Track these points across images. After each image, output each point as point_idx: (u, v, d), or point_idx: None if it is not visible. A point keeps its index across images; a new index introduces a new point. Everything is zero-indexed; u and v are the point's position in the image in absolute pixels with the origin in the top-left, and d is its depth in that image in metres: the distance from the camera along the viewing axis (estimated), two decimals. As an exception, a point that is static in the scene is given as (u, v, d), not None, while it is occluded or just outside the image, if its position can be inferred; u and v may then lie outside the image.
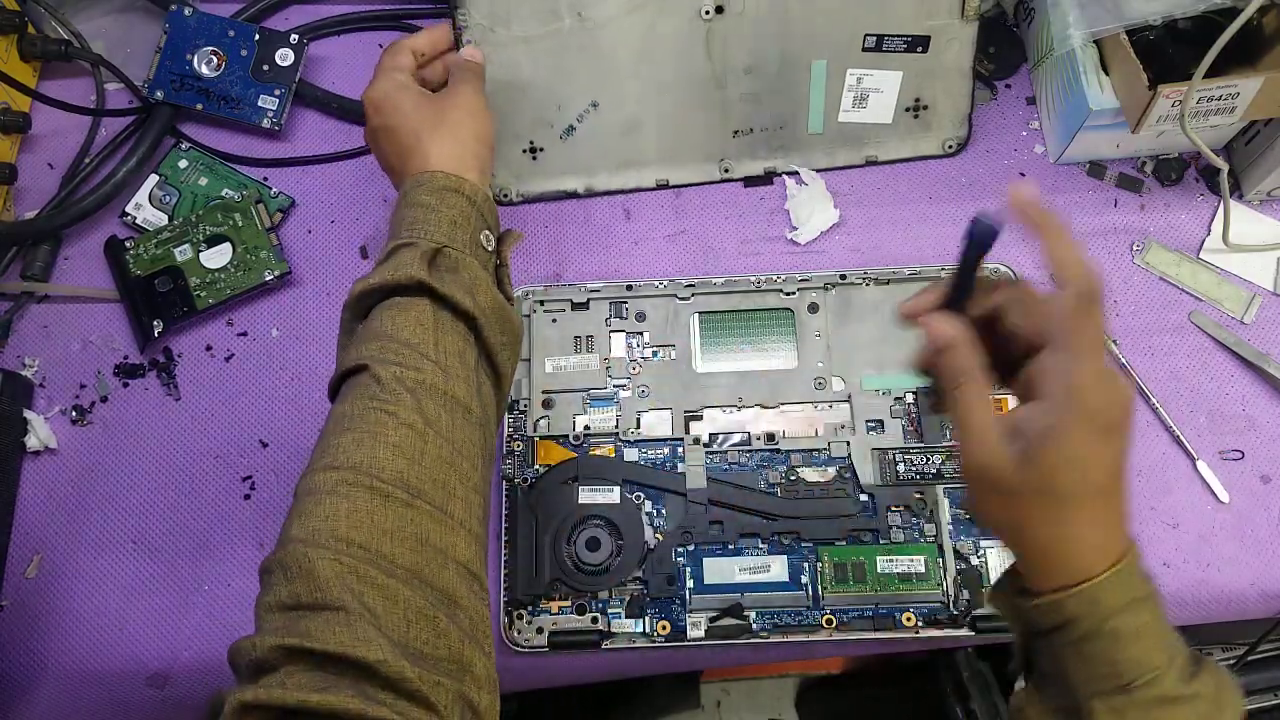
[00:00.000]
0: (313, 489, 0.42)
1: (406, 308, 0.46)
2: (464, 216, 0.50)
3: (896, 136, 0.68)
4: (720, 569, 0.59)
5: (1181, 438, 0.61)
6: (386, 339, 0.45)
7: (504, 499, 0.60)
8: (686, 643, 0.58)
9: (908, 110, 0.67)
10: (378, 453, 0.41)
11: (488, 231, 0.51)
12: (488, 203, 0.52)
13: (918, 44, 0.64)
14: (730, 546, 0.60)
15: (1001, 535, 0.42)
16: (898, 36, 0.64)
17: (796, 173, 0.68)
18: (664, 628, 0.58)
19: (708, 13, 0.62)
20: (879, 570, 0.59)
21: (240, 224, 0.68)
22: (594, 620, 0.59)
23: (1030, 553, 0.40)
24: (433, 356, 0.45)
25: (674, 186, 0.69)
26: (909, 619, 0.58)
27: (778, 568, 0.59)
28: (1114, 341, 0.63)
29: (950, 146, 0.68)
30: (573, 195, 0.69)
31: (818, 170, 0.68)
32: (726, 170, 0.69)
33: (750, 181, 0.69)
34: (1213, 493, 0.60)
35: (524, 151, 0.67)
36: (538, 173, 0.68)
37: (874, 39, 0.64)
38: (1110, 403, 0.38)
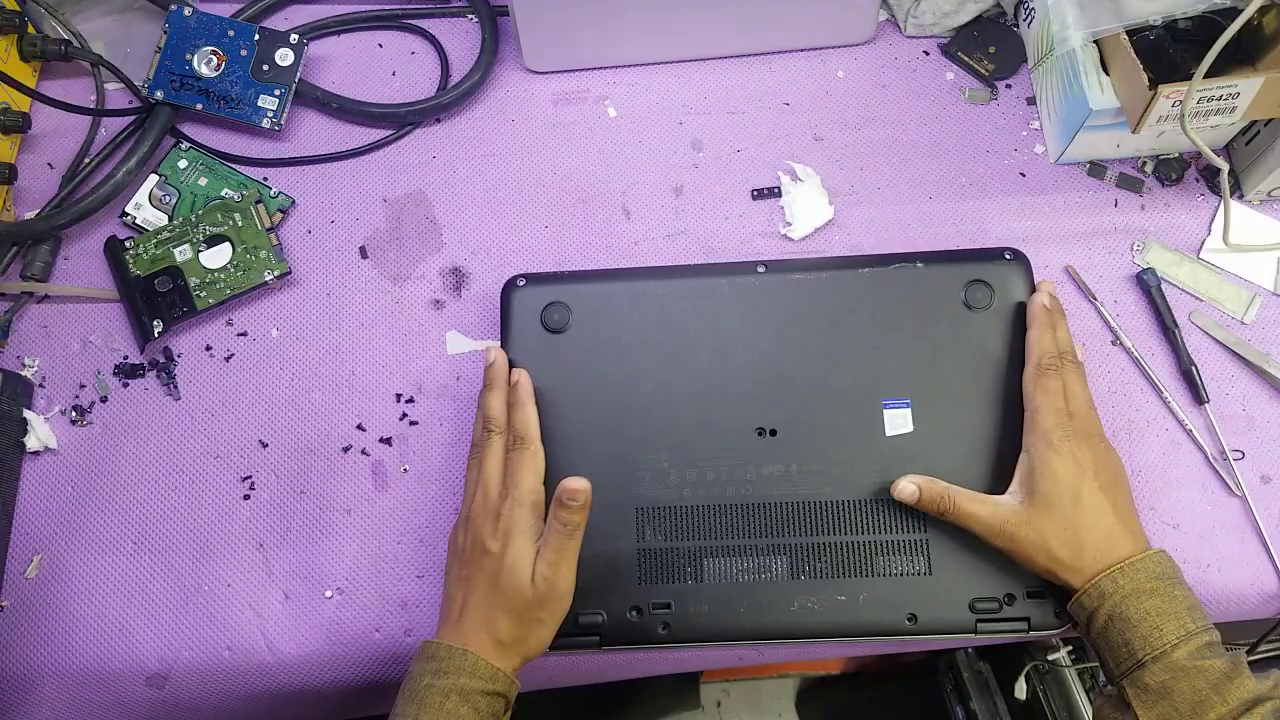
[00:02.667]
0: None
1: None
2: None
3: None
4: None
5: (1193, 432, 0.61)
6: None
7: None
8: (687, 644, 0.58)
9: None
10: None
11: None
12: (511, 687, 0.51)
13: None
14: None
15: (1040, 569, 0.52)
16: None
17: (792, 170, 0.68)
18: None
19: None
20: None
21: (240, 224, 0.68)
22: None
23: (1053, 566, 0.51)
24: None
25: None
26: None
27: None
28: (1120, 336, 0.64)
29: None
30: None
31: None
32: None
33: (759, 194, 0.69)
34: (1225, 485, 0.60)
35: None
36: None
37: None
38: (1067, 433, 0.53)
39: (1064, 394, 0.55)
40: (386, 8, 0.75)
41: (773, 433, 0.57)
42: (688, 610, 0.55)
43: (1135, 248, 0.66)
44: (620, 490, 0.57)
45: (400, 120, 0.72)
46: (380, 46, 0.75)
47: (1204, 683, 0.44)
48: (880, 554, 0.55)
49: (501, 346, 0.60)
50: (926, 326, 0.59)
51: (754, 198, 0.69)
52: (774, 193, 0.68)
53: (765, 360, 0.59)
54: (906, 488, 0.54)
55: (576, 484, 0.50)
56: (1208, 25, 0.59)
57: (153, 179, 0.70)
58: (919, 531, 0.55)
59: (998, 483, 0.56)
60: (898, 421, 0.57)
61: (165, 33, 0.71)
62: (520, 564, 0.51)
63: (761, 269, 0.61)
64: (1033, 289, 0.60)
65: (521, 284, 0.62)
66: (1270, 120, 0.62)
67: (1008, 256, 0.61)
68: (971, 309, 0.59)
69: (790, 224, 0.67)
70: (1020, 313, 0.59)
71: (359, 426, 0.65)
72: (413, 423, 0.64)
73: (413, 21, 0.75)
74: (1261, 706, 0.44)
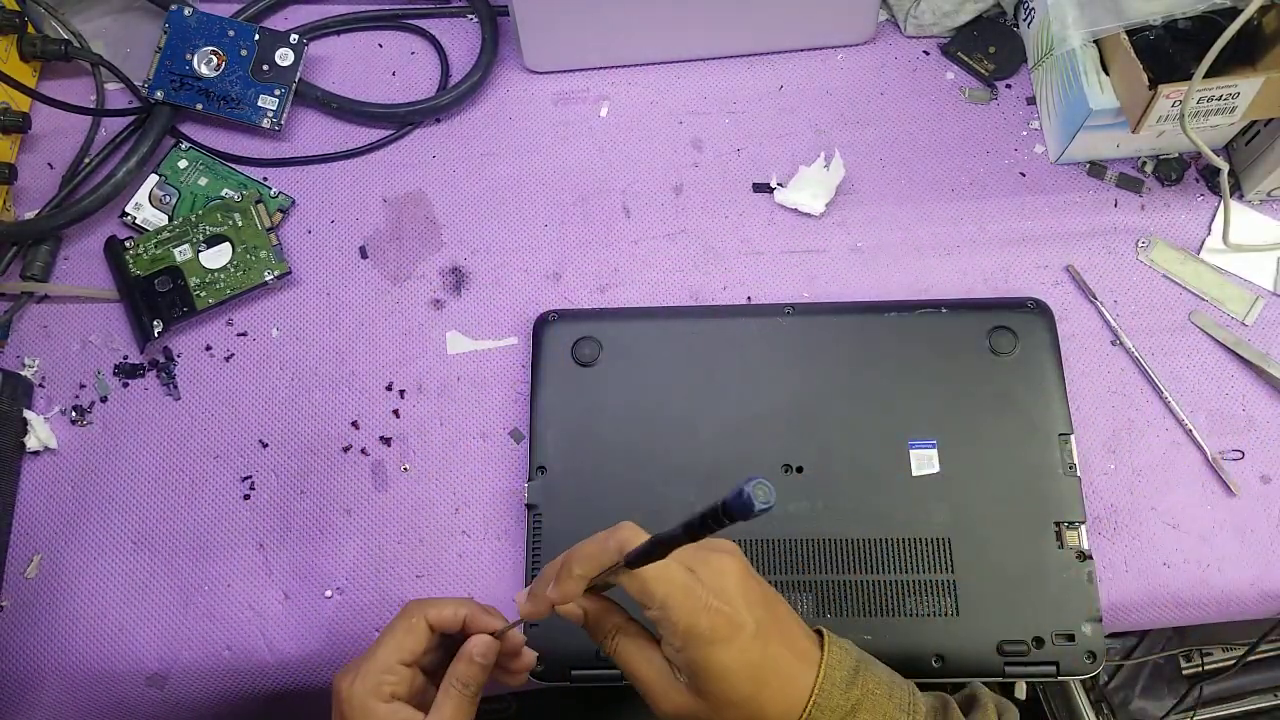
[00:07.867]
0: None
1: None
2: None
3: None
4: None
5: (1193, 432, 0.61)
6: None
7: (532, 525, 0.59)
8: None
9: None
10: None
11: None
12: None
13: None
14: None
15: None
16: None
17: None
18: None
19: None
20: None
21: (240, 224, 0.68)
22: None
23: None
24: None
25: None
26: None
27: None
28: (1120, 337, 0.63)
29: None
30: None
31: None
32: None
33: (759, 187, 0.69)
34: (1225, 485, 0.60)
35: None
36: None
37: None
38: (709, 621, 0.41)
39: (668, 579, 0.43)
40: (386, 8, 0.75)
41: (799, 470, 0.57)
42: None
43: (1140, 245, 0.66)
44: (645, 525, 0.55)
45: (400, 120, 0.72)
46: (380, 46, 0.75)
47: None
48: (908, 594, 0.55)
49: (532, 380, 0.61)
50: (952, 370, 0.59)
51: (754, 192, 0.69)
52: (773, 189, 0.68)
53: (792, 399, 0.59)
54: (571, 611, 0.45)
55: (488, 643, 0.44)
56: (1208, 25, 0.59)
57: (153, 179, 0.70)
58: (947, 572, 0.55)
59: (1025, 522, 0.56)
60: (924, 461, 0.57)
61: (165, 33, 0.71)
62: None
63: (789, 311, 0.61)
64: (1055, 337, 0.60)
65: (553, 320, 0.62)
66: (1270, 120, 0.62)
67: (1030, 306, 0.61)
68: (996, 354, 0.59)
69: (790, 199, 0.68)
70: (1044, 359, 0.59)
71: (359, 426, 0.65)
72: (413, 423, 0.64)
73: (413, 21, 0.75)
74: None
